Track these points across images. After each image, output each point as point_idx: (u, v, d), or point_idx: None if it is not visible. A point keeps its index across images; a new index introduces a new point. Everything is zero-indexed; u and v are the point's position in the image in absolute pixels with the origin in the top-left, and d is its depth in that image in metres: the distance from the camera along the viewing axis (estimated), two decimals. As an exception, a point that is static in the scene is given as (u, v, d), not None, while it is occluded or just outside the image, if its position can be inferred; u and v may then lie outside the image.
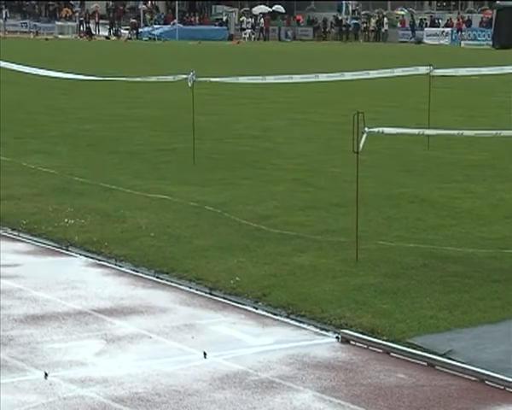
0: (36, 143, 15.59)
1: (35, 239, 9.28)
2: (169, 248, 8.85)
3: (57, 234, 9.37)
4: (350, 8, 76.73)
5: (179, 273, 8.07)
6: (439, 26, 73.18)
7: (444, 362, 6.04)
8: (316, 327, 6.79)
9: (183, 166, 13.46)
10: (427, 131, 11.51)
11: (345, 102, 22.40)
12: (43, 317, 6.90)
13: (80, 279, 7.94)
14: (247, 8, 77.88)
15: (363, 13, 76.51)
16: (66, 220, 9.93)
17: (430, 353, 6.17)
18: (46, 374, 5.76)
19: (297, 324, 6.88)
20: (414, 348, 6.25)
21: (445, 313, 6.95)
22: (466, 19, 72.59)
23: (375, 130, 8.39)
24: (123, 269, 8.31)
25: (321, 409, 5.43)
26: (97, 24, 72.77)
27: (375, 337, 6.46)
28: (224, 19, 75.63)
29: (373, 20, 73.22)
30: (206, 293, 7.62)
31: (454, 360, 6.04)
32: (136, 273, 8.19)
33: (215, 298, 7.49)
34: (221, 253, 8.66)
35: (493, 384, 5.74)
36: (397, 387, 5.74)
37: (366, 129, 8.24)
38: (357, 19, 75.06)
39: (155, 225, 9.72)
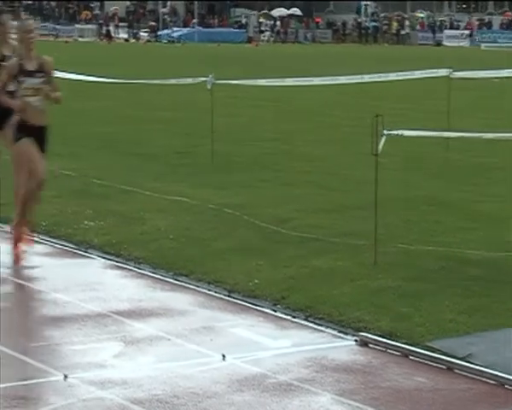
0: (55, 146, 15.62)
1: (54, 241, 9.32)
2: (188, 250, 8.87)
3: (76, 236, 9.40)
4: (369, 10, 76.62)
5: (198, 276, 8.09)
6: (458, 29, 72.96)
7: (463, 366, 6.01)
8: (334, 330, 6.78)
9: (201, 169, 13.48)
10: (447, 134, 11.48)
11: (364, 105, 22.36)
12: (63, 319, 6.92)
13: (99, 281, 7.97)
14: (266, 11, 77.93)
15: (381, 15, 76.38)
16: (85, 222, 9.96)
17: (449, 356, 6.15)
18: (66, 376, 5.78)
19: (315, 326, 6.87)
20: (433, 352, 6.23)
21: (464, 316, 6.93)
22: (486, 21, 72.34)
23: (395, 132, 8.37)
24: (142, 271, 8.34)
25: (339, 412, 5.42)
26: (117, 26, 73.02)
27: (393, 340, 6.45)
28: (243, 21, 75.71)
29: (395, 23, 73.08)
30: (224, 295, 7.63)
31: (473, 364, 6.02)
32: (154, 275, 8.21)
33: (234, 300, 7.49)
34: (240, 255, 8.67)
35: (513, 388, 5.72)
36: (416, 390, 5.72)
37: (385, 131, 8.22)
38: (376, 21, 74.96)
39: (174, 227, 9.74)
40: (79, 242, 9.23)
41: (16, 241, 8.56)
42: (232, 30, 74.53)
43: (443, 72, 15.68)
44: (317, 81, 16.14)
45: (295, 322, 6.98)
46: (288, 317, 7.07)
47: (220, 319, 7.05)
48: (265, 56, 49.15)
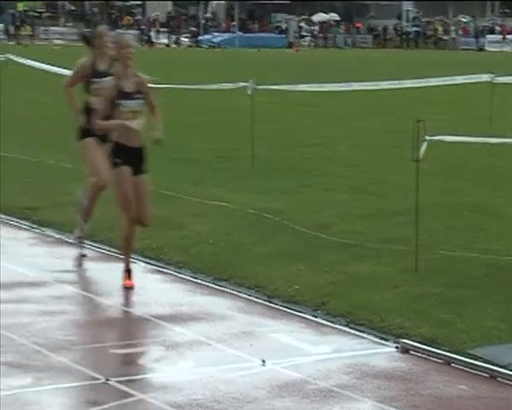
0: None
1: (96, 245, 9.38)
2: (227, 255, 8.88)
3: (118, 240, 9.44)
4: (410, 15, 76.27)
5: (238, 281, 8.09)
6: (500, 33, 72.36)
7: (506, 374, 5.95)
8: (375, 336, 6.74)
9: (241, 173, 13.49)
10: (490, 140, 11.37)
11: (405, 110, 22.24)
12: (105, 322, 6.96)
13: (140, 285, 8.00)
14: (307, 16, 77.89)
15: (423, 20, 75.98)
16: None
17: (492, 364, 6.08)
18: (107, 379, 5.81)
19: (356, 332, 6.84)
20: (475, 360, 6.17)
21: (506, 323, 6.85)
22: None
23: (436, 138, 8.31)
24: (182, 276, 8.36)
25: (380, 419, 5.39)
26: (158, 32, 73.42)
27: (435, 348, 6.40)
28: (284, 26, 75.74)
29: (440, 28, 72.64)
30: (264, 301, 7.62)
31: (516, 372, 5.95)
32: (194, 280, 8.22)
33: (274, 306, 7.48)
34: (280, 260, 8.66)
35: (557, 397, 5.64)
36: (458, 398, 5.67)
37: (427, 137, 8.17)
38: (417, 26, 74.58)
39: (214, 231, 9.75)
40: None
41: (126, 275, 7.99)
42: (273, 35, 74.58)
43: (485, 77, 15.55)
44: (357, 86, 16.09)
45: (336, 328, 6.95)
46: (329, 323, 7.05)
47: (260, 324, 7.04)
48: (306, 62, 49.11)
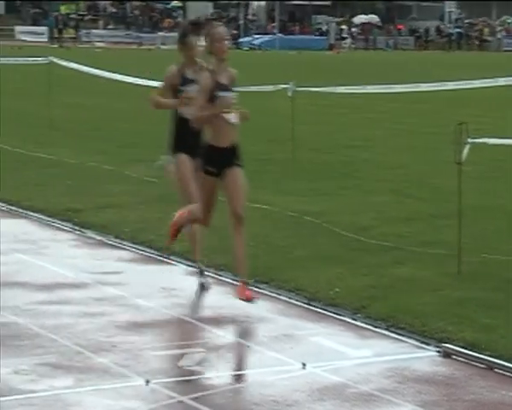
0: (138, 152, 15.85)
1: (137, 247, 9.42)
2: (267, 257, 8.87)
3: (159, 242, 9.48)
4: (453, 16, 75.75)
5: (278, 283, 8.08)
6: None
7: (549, 380, 5.87)
8: (416, 340, 6.69)
9: (282, 176, 13.48)
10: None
11: (446, 113, 22.10)
12: (145, 324, 6.99)
13: (181, 288, 8.02)
14: (347, 18, 77.71)
15: (466, 21, 75.41)
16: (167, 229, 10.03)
17: (535, 370, 6.01)
18: (147, 381, 5.84)
19: (397, 336, 6.80)
20: (518, 365, 6.10)
21: (550, 329, 6.77)
22: None
23: (479, 140, 8.24)
24: (222, 278, 8.37)
25: (421, 424, 5.35)
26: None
27: (477, 352, 6.34)
28: (324, 28, 75.63)
29: (486, 29, 72.06)
30: (304, 303, 7.60)
31: (560, 378, 5.87)
32: (235, 283, 8.22)
33: (314, 309, 7.46)
34: (320, 263, 8.63)
35: None
36: (500, 404, 5.61)
37: (469, 140, 8.10)
38: (460, 27, 74.05)
39: (254, 234, 9.73)
40: (161, 248, 9.30)
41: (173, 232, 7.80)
42: (313, 37, 74.49)
43: (528, 79, 15.35)
44: (398, 88, 15.99)
45: (376, 331, 6.91)
46: (369, 326, 7.01)
47: (300, 327, 7.03)
48: (346, 63, 48.97)
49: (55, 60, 21.30)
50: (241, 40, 71.82)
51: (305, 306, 7.54)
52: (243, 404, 5.58)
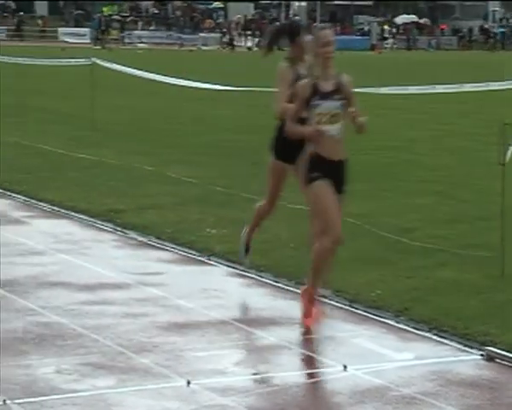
0: (178, 153, 15.90)
1: (178, 248, 9.45)
2: (309, 259, 8.83)
3: (199, 243, 9.51)
4: (497, 16, 75.06)
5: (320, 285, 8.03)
6: None
7: None
8: (459, 343, 6.63)
9: (323, 177, 13.42)
10: None
11: (490, 113, 21.88)
12: (186, 325, 7.00)
13: (221, 289, 8.03)
14: (389, 18, 77.35)
15: (510, 21, 74.67)
16: (208, 230, 10.07)
17: None
18: (189, 382, 5.85)
19: (439, 339, 6.74)
20: None
21: None
22: None
23: (523, 142, 8.14)
24: (263, 280, 8.36)
25: (464, 428, 5.30)
26: (240, 35, 73.79)
27: (521, 356, 6.26)
28: (366, 28, 75.36)
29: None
30: (346, 305, 7.57)
31: None
32: (276, 284, 8.22)
33: (355, 311, 7.43)
34: (361, 265, 8.59)
35: None
36: (544, 409, 5.54)
37: (513, 141, 8.01)
38: (504, 27, 73.34)
39: (295, 235, 9.73)
40: (202, 249, 9.32)
41: (308, 307, 7.04)
42: (355, 37, 74.25)
43: None
44: (440, 89, 15.89)
45: (418, 334, 6.86)
46: (411, 329, 6.96)
47: (341, 329, 7.00)
48: (388, 64, 48.73)
49: (98, 61, 21.45)
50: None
51: (347, 308, 7.51)
52: (284, 406, 5.56)
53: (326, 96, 6.69)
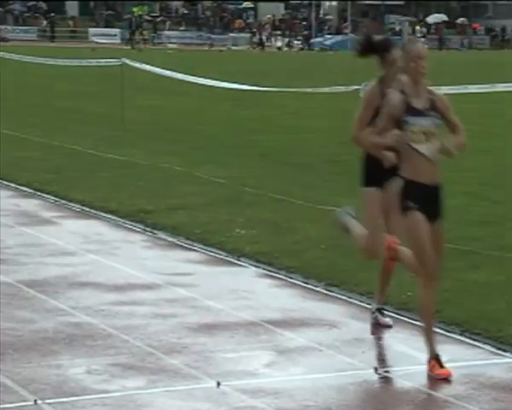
0: (207, 154, 15.90)
1: (207, 249, 9.43)
2: (339, 260, 8.79)
3: (229, 244, 9.48)
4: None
5: (350, 287, 8.00)
6: None
7: None
8: (492, 346, 6.55)
9: (354, 178, 13.34)
10: None
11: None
12: (216, 326, 6.98)
13: (251, 290, 8.00)
14: (421, 18, 76.97)
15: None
16: (237, 231, 10.04)
17: None
18: (218, 383, 5.82)
19: (471, 342, 6.67)
20: None
21: None
22: None
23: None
24: (293, 281, 8.32)
25: (497, 433, 5.23)
26: (270, 35, 73.76)
27: (555, 360, 6.17)
28: (397, 28, 75.02)
29: None
30: (377, 307, 7.49)
31: None
32: (306, 285, 8.17)
33: (386, 313, 7.36)
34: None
35: None
36: None
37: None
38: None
39: (326, 237, 9.67)
40: (231, 250, 9.30)
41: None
42: (386, 37, 73.90)
43: None
44: (472, 89, 15.76)
45: (450, 337, 6.79)
46: (443, 331, 6.89)
47: (372, 330, 6.93)
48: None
49: (128, 61, 21.51)
50: (312, 41, 71.64)
51: (378, 309, 7.43)
52: (314, 408, 5.52)
53: (418, 112, 6.23)
